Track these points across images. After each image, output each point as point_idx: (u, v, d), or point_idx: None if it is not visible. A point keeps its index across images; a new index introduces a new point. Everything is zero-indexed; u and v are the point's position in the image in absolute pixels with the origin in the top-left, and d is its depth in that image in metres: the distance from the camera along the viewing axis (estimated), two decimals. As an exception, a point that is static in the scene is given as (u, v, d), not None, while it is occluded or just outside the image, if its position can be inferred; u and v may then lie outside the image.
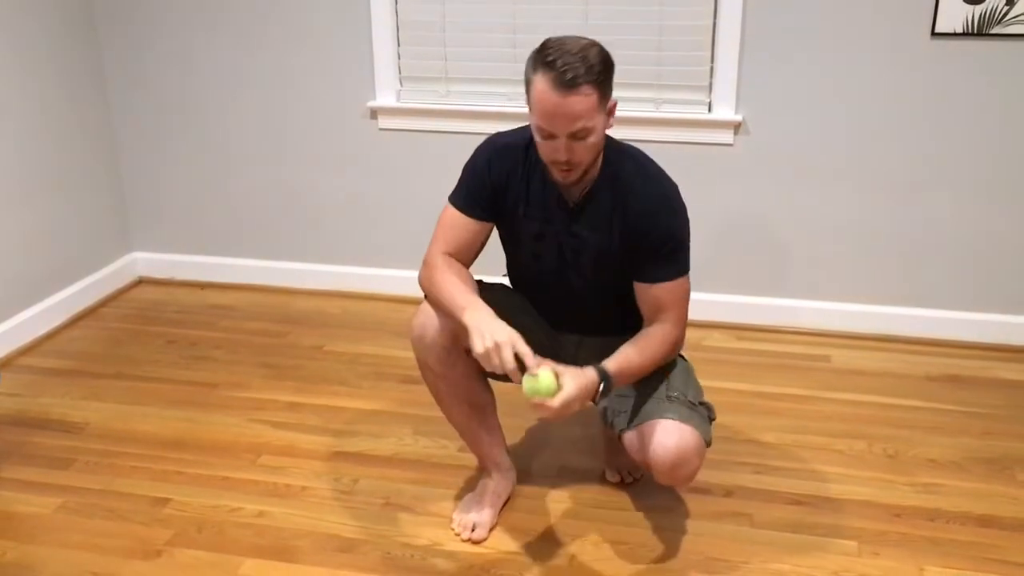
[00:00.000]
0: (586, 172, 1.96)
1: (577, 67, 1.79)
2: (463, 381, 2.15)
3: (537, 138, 1.92)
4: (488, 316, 1.87)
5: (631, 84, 3.07)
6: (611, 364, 1.94)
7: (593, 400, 1.92)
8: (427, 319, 2.07)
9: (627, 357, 1.98)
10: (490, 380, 2.20)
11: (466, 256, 2.10)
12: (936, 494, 2.38)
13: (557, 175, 1.95)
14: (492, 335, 1.82)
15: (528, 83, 1.87)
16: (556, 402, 1.81)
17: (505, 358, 1.80)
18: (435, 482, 2.44)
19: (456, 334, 2.03)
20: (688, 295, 2.07)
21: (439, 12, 3.24)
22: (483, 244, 2.13)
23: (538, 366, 1.81)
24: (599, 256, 2.06)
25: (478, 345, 1.82)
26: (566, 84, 1.79)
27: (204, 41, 3.45)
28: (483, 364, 1.84)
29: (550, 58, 1.81)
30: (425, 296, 2.09)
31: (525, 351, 1.81)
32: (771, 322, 3.33)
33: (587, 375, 1.88)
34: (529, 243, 2.12)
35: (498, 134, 2.14)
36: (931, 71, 2.96)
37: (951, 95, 2.97)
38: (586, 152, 1.89)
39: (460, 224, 2.09)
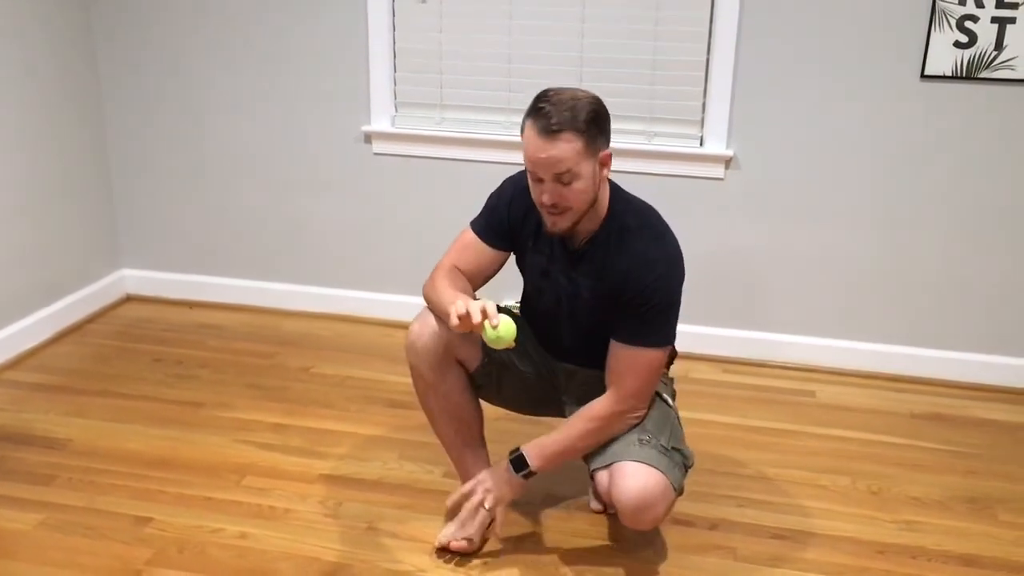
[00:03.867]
0: (578, 221, 1.98)
1: (563, 115, 1.87)
2: (453, 395, 2.18)
3: (529, 181, 1.98)
4: (472, 300, 1.93)
5: (624, 117, 3.10)
6: (530, 448, 2.07)
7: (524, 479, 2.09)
8: (423, 327, 2.12)
9: (552, 440, 2.07)
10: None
11: (474, 278, 2.15)
12: (919, 532, 2.39)
13: (547, 221, 1.99)
14: (466, 304, 1.89)
15: (522, 129, 1.95)
16: (499, 517, 2.13)
17: (473, 310, 1.86)
18: (420, 507, 2.44)
19: (449, 344, 2.10)
20: (654, 371, 2.03)
21: (436, 40, 3.27)
22: (493, 273, 2.18)
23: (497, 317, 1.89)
24: (592, 305, 2.07)
25: (453, 313, 1.88)
26: (547, 130, 1.87)
27: (199, 62, 3.47)
28: (456, 324, 1.89)
29: (540, 105, 1.90)
30: (426, 302, 2.13)
31: (492, 310, 1.87)
32: (757, 356, 3.34)
33: (500, 473, 2.10)
34: (536, 277, 2.16)
35: (524, 172, 2.15)
36: (920, 112, 3.00)
37: (940, 136, 3.01)
38: (575, 197, 1.92)
39: (475, 246, 2.15)
